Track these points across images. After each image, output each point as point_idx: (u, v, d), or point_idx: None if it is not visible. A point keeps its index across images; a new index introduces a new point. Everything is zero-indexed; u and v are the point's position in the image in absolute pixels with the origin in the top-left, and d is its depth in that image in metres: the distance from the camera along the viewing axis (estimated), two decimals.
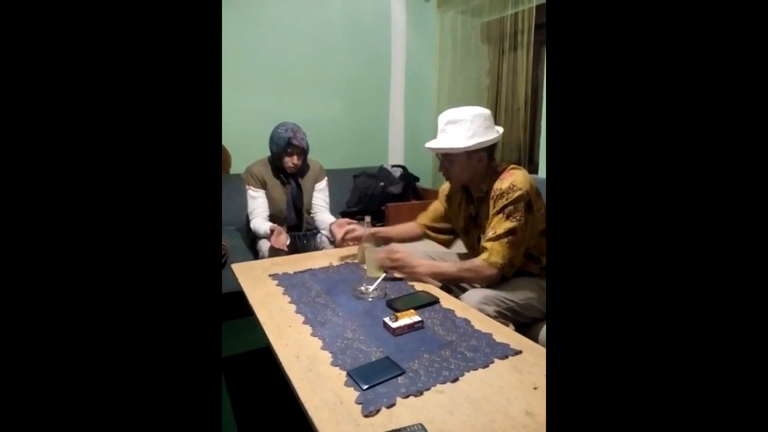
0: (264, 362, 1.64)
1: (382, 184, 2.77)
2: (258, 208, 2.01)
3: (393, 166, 3.03)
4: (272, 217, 2.03)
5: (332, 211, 2.20)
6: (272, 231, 1.85)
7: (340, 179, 2.74)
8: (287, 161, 1.96)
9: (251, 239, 2.10)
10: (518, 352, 0.95)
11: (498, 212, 1.30)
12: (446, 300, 1.26)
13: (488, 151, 1.37)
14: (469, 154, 1.34)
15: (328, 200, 2.15)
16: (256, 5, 2.64)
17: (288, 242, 1.86)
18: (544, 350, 0.97)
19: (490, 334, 1.03)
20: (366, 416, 0.75)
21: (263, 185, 2.02)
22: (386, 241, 1.66)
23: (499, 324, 1.13)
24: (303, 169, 2.07)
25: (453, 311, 1.17)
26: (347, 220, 1.92)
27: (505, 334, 1.05)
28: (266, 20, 2.69)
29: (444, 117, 1.36)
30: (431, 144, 1.38)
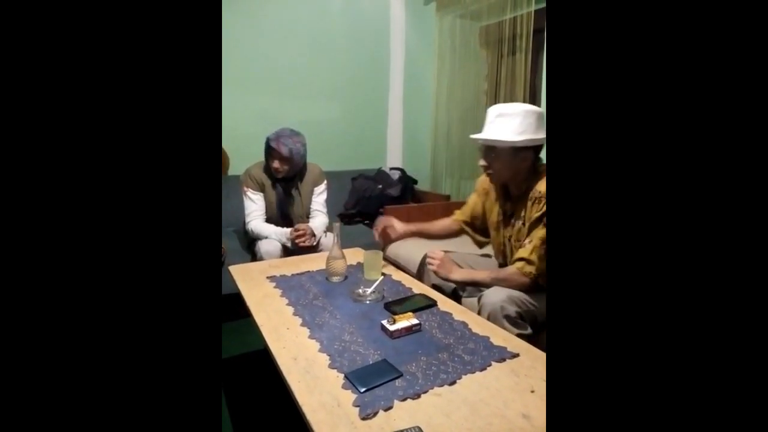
0: (261, 364, 1.64)
1: (380, 186, 2.77)
2: (256, 211, 2.01)
3: (391, 168, 3.03)
4: (269, 220, 2.04)
5: (330, 214, 2.20)
6: (297, 230, 1.92)
7: (338, 181, 2.74)
8: (272, 165, 1.96)
9: (249, 241, 2.10)
10: (515, 356, 0.96)
11: (538, 219, 1.25)
12: (444, 303, 1.26)
13: (535, 151, 1.30)
14: (516, 151, 1.27)
15: (325, 203, 2.15)
16: (256, 7, 2.64)
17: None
18: (541, 353, 0.97)
19: (488, 338, 1.04)
20: (363, 419, 0.75)
21: (261, 188, 2.03)
22: (426, 236, 1.61)
23: (496, 327, 1.13)
24: (302, 172, 2.07)
25: (451, 314, 1.17)
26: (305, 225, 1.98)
27: (502, 337, 1.05)
28: (266, 22, 2.69)
29: (494, 109, 1.29)
30: (477, 135, 1.31)
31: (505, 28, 2.31)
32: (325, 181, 2.16)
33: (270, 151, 1.94)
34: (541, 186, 1.26)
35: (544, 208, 1.23)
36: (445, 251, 1.50)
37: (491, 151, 1.31)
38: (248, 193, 2.01)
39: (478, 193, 1.55)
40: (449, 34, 2.70)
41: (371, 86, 3.11)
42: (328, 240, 2.05)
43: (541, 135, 1.27)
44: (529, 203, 1.29)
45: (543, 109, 1.29)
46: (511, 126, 1.25)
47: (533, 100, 2.31)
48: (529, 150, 1.28)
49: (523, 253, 1.27)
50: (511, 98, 2.35)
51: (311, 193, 2.12)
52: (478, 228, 1.58)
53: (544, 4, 2.09)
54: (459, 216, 1.61)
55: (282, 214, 2.05)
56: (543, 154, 1.32)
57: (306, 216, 2.12)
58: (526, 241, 1.28)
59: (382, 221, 1.52)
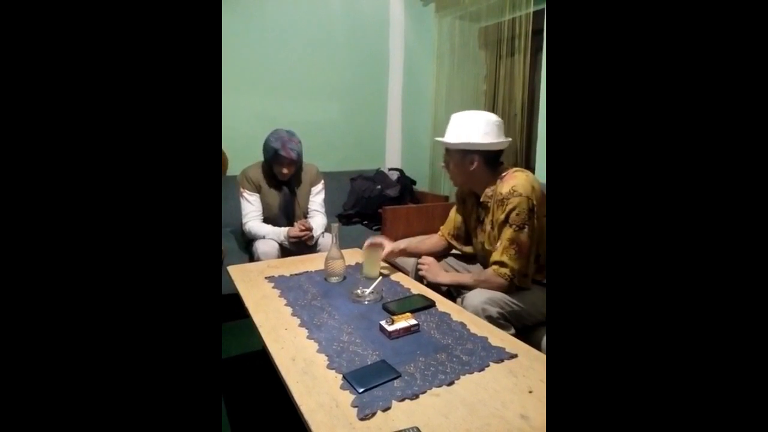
0: (259, 365, 1.64)
1: (379, 187, 2.77)
2: (253, 212, 2.01)
3: (390, 169, 3.03)
4: (266, 221, 2.04)
5: (329, 214, 2.20)
6: (302, 225, 1.93)
7: (336, 182, 2.74)
8: (277, 170, 1.98)
9: (247, 242, 2.10)
10: (513, 356, 0.96)
11: (504, 221, 1.29)
12: (442, 303, 1.26)
13: (484, 156, 1.36)
14: (463, 154, 1.36)
15: (323, 203, 2.16)
16: (255, 7, 2.64)
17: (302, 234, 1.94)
18: (539, 354, 0.97)
19: (486, 338, 1.04)
20: (362, 419, 0.75)
21: (258, 189, 2.03)
22: (415, 255, 1.63)
23: (494, 327, 1.13)
24: (297, 173, 2.08)
25: (449, 315, 1.17)
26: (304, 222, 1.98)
27: (500, 337, 1.05)
28: (265, 23, 2.69)
29: (454, 116, 1.40)
30: (439, 139, 1.44)
31: (504, 29, 2.31)
32: (322, 181, 2.16)
33: (277, 158, 1.93)
34: (503, 188, 1.31)
35: (507, 209, 1.28)
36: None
37: (447, 152, 1.43)
38: (245, 195, 2.01)
39: (457, 203, 1.61)
40: (448, 35, 2.70)
41: (370, 87, 3.11)
42: (327, 240, 2.05)
43: (488, 140, 1.34)
44: (495, 206, 1.34)
45: (498, 117, 1.40)
46: (457, 131, 1.36)
47: (532, 100, 2.31)
48: (476, 154, 1.35)
49: (495, 256, 1.31)
50: (509, 99, 2.35)
51: (308, 193, 2.12)
52: (463, 238, 1.62)
53: (542, 6, 2.09)
54: (444, 230, 1.66)
55: (287, 216, 2.06)
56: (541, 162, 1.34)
57: (304, 216, 2.12)
58: (497, 243, 1.32)
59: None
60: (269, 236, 1.96)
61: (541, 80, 2.19)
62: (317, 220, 2.09)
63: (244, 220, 2.02)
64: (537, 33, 2.16)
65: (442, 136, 1.41)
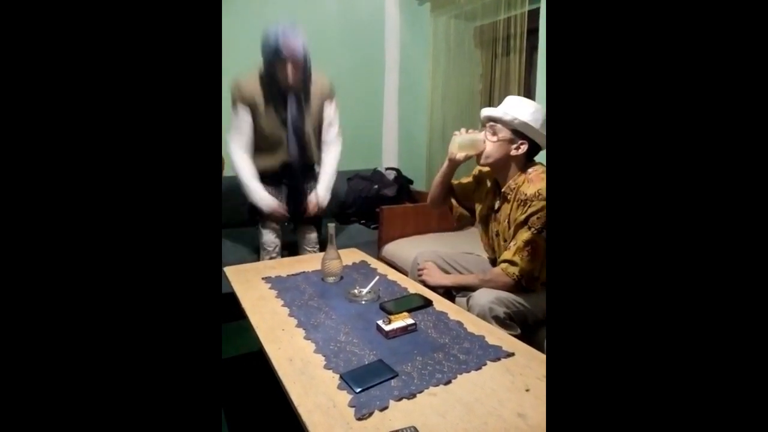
0: (256, 366, 1.63)
1: (375, 186, 2.77)
2: (241, 137, 1.64)
3: (387, 168, 3.04)
4: (267, 147, 1.68)
5: (327, 215, 2.11)
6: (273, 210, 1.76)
7: (334, 182, 2.74)
8: (281, 74, 1.58)
9: (249, 205, 1.79)
10: (510, 355, 0.96)
11: (522, 222, 1.27)
12: (439, 303, 1.26)
13: (531, 146, 1.32)
14: (515, 134, 1.31)
15: (337, 129, 1.78)
16: (252, 7, 2.63)
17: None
18: (536, 352, 0.98)
19: (483, 337, 1.04)
20: (359, 419, 0.75)
21: (253, 105, 1.64)
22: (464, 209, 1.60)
23: (491, 326, 1.13)
24: (305, 82, 1.67)
25: (446, 314, 1.18)
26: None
27: (497, 336, 1.05)
28: (262, 23, 2.68)
29: (512, 96, 1.36)
30: (488, 110, 1.37)
31: (500, 28, 2.31)
32: (335, 98, 1.77)
33: (279, 56, 1.51)
34: (527, 189, 1.29)
35: (529, 211, 1.26)
36: (450, 255, 1.51)
37: (492, 128, 1.34)
38: (238, 108, 1.65)
39: (474, 178, 1.56)
40: (444, 35, 2.70)
41: (366, 87, 3.11)
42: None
43: (542, 132, 1.30)
44: (515, 204, 1.32)
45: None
46: (522, 109, 1.30)
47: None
48: (527, 141, 1.31)
49: (507, 254, 1.31)
50: (505, 98, 2.36)
51: (321, 109, 1.74)
52: (459, 199, 1.60)
53: (537, 5, 2.10)
54: (453, 182, 1.60)
55: (298, 137, 1.67)
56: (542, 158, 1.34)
57: (317, 134, 1.76)
58: (511, 243, 1.31)
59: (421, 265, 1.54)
60: (259, 202, 1.69)
61: (536, 79, 2.19)
62: (329, 157, 1.75)
63: (229, 138, 1.66)
64: (532, 32, 2.16)
65: (439, 135, 1.40)
